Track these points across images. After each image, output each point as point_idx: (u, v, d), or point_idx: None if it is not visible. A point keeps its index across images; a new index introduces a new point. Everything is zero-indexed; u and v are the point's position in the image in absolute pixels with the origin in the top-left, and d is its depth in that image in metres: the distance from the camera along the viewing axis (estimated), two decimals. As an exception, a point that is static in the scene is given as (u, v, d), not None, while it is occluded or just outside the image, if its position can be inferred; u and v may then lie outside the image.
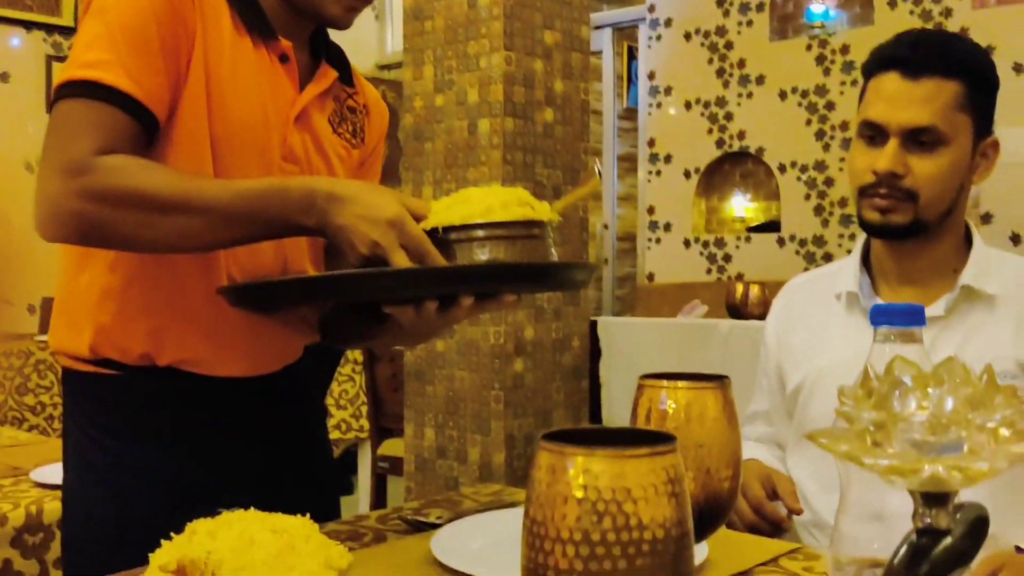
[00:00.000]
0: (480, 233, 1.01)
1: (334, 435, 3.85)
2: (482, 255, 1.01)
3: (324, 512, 1.26)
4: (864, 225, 1.43)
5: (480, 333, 2.87)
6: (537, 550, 0.49)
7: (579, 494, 0.48)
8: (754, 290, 3.30)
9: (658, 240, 5.72)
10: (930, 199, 1.38)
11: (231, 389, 1.20)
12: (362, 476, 3.99)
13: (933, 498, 0.52)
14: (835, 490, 1.43)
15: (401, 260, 0.99)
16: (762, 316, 3.36)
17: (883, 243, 1.45)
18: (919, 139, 1.36)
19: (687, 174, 5.60)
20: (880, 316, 0.66)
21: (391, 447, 3.70)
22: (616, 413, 3.17)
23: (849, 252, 1.61)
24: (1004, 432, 0.49)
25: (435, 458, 3.00)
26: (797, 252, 5.15)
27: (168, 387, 1.16)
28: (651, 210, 5.74)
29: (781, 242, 5.23)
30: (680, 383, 0.75)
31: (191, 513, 0.87)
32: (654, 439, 0.50)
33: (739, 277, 5.27)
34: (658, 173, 5.71)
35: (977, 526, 0.53)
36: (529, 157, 2.84)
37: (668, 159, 5.66)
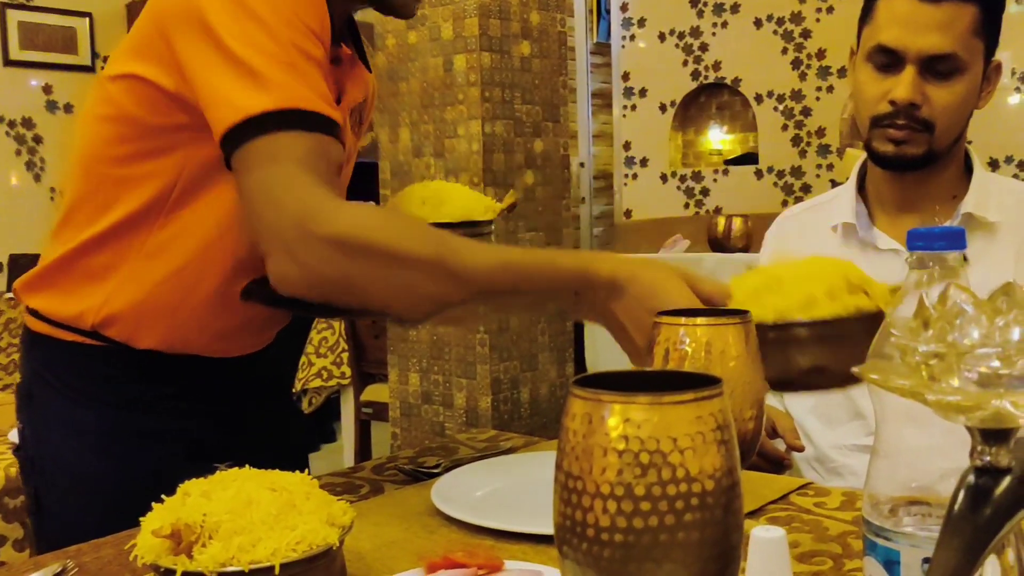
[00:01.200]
0: (802, 332, 0.80)
1: (315, 383, 3.81)
2: (803, 360, 0.81)
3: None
4: (875, 156, 1.37)
5: (462, 275, 2.81)
6: (574, 506, 0.45)
7: (620, 445, 0.44)
8: (736, 223, 3.27)
9: (635, 176, 5.67)
10: (945, 129, 1.32)
11: (217, 364, 1.17)
12: (345, 423, 3.97)
13: (994, 435, 0.48)
14: (837, 424, 1.43)
15: None
16: (745, 249, 3.34)
17: (887, 172, 1.40)
18: (936, 67, 1.30)
19: (662, 108, 5.53)
20: (918, 240, 0.62)
21: (374, 392, 3.67)
22: (600, 356, 3.15)
23: (833, 183, 1.56)
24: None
25: (420, 403, 2.97)
26: (775, 184, 5.12)
27: (157, 364, 1.12)
28: (627, 146, 5.68)
29: (759, 174, 5.19)
30: (699, 319, 0.70)
31: (175, 474, 0.83)
32: (697, 382, 0.46)
33: (717, 211, 5.23)
34: (633, 108, 5.64)
35: (1037, 462, 0.50)
36: (507, 93, 2.77)
37: (643, 93, 5.58)
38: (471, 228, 1.12)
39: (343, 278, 0.89)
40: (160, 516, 0.77)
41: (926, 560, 0.62)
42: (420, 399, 2.97)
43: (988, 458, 0.49)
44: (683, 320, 0.71)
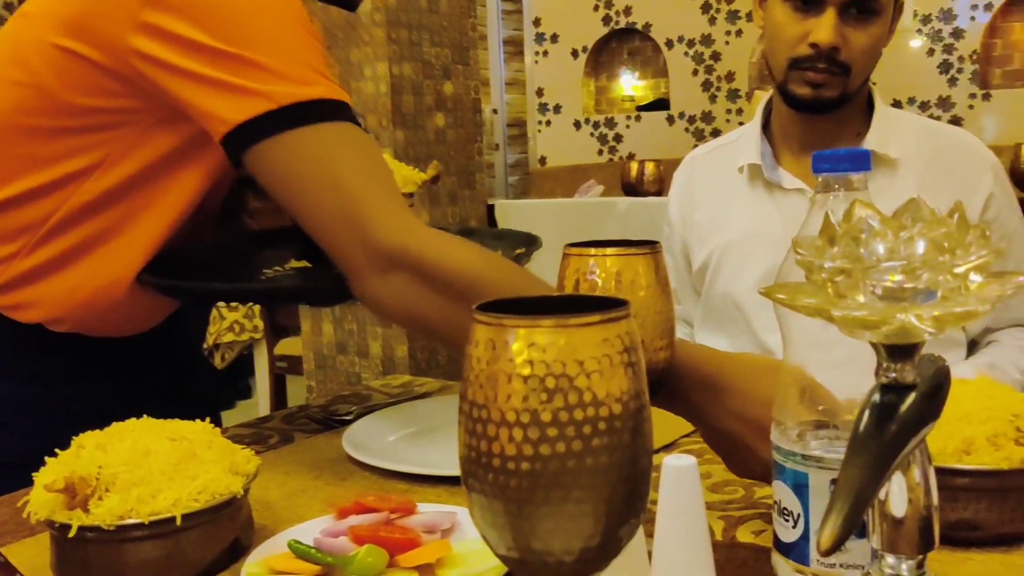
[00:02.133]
0: (957, 482, 0.72)
1: (227, 338, 3.73)
2: (952, 512, 0.72)
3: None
4: (790, 98, 1.36)
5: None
6: (479, 436, 0.43)
7: (525, 371, 0.42)
8: (649, 167, 3.28)
9: (548, 123, 5.64)
10: (860, 71, 1.33)
11: (110, 340, 1.10)
12: (259, 377, 3.90)
13: (899, 351, 0.48)
14: (749, 358, 1.44)
15: None
16: (658, 193, 3.36)
17: (798, 113, 1.40)
18: (858, 9, 1.29)
19: (574, 54, 5.50)
20: (823, 162, 0.61)
21: (288, 346, 3.62)
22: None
23: (742, 125, 1.56)
24: (974, 277, 0.45)
25: (335, 354, 2.94)
26: (686, 129, 5.15)
27: (47, 337, 1.05)
28: (540, 92, 5.65)
29: (671, 120, 5.21)
30: (609, 250, 0.69)
31: (68, 436, 0.79)
32: (604, 305, 0.44)
33: (630, 156, 5.26)
34: (545, 54, 5.60)
35: (940, 378, 0.50)
36: (415, 35, 2.70)
37: (555, 38, 5.54)
38: None
39: (437, 315, 0.86)
40: (53, 470, 0.73)
41: (834, 482, 0.62)
42: (335, 350, 2.93)
43: (893, 375, 0.48)
44: (592, 251, 0.69)
